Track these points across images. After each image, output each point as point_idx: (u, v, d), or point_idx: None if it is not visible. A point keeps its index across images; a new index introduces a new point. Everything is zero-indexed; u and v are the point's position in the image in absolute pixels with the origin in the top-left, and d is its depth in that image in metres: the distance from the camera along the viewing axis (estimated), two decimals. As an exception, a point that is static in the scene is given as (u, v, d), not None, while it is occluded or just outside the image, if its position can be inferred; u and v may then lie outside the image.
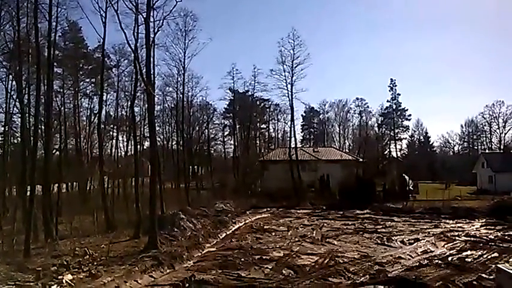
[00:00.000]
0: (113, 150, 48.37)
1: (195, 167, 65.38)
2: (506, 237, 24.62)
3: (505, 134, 77.45)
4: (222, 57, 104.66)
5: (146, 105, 30.97)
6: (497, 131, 78.80)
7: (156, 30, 24.98)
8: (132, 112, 34.58)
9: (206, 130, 65.91)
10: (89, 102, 49.20)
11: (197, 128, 62.71)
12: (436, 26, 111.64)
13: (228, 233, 27.43)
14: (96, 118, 38.92)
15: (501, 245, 22.31)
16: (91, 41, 56.79)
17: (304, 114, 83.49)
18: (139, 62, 25.72)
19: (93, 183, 39.67)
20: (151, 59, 25.56)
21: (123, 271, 15.65)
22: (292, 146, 54.09)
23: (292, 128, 55.90)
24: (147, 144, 45.97)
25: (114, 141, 48.57)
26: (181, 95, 49.10)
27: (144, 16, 21.89)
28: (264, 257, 19.65)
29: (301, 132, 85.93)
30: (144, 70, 23.57)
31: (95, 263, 16.50)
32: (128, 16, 24.35)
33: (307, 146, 73.00)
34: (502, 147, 71.37)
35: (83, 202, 34.59)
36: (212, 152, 71.99)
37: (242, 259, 19.13)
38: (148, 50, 22.52)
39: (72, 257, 17.49)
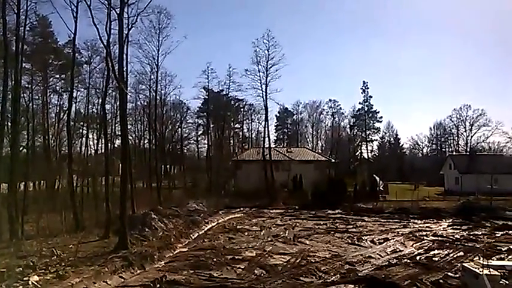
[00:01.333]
0: (83, 148, 47.33)
1: (168, 166, 64.68)
2: (471, 236, 25.46)
3: (471, 136, 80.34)
4: (197, 56, 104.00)
5: (118, 103, 30.50)
6: (464, 133, 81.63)
7: (129, 26, 24.52)
8: (103, 109, 33.92)
9: (179, 129, 65.45)
10: (58, 98, 47.95)
11: (170, 127, 62.13)
12: (407, 29, 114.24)
13: (200, 233, 27.24)
14: (66, 115, 37.97)
15: (466, 244, 23.04)
16: (62, 36, 55.37)
17: (278, 115, 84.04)
18: (112, 58, 25.26)
19: (61, 182, 38.65)
20: (124, 56, 25.15)
21: (92, 272, 15.30)
22: (266, 146, 54.30)
23: (266, 128, 56.19)
24: (118, 142, 45.07)
25: (84, 139, 47.55)
26: (154, 93, 48.45)
27: (118, 12, 21.47)
28: (236, 257, 19.62)
29: (275, 132, 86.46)
30: (117, 67, 23.13)
31: (63, 264, 16.03)
32: (100, 11, 23.83)
33: (281, 146, 73.43)
34: (468, 149, 73.74)
35: (50, 201, 33.63)
36: (185, 151, 71.54)
37: (214, 259, 19.05)
38: (121, 47, 22.10)
39: (39, 257, 16.95)
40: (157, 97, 49.98)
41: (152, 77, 47.67)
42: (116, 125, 43.99)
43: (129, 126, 45.94)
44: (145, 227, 24.17)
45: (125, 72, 28.49)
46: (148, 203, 33.09)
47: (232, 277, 16.41)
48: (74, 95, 39.75)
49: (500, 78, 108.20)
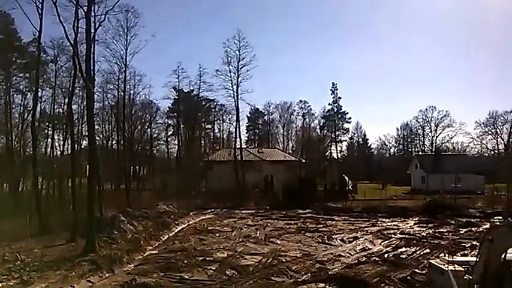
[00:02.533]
0: (48, 149, 45.84)
1: (137, 167, 63.52)
2: (437, 234, 26.30)
3: (437, 137, 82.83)
4: (167, 56, 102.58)
5: (85, 103, 29.74)
6: (430, 134, 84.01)
7: (97, 25, 24.04)
8: (70, 110, 33.05)
9: (149, 129, 64.31)
10: (22, 98, 46.13)
11: (139, 127, 60.95)
12: (375, 31, 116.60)
13: (170, 235, 26.96)
14: (30, 115, 36.70)
15: (432, 241, 23.77)
16: (26, 33, 53.27)
17: (249, 115, 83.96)
18: (79, 57, 24.60)
19: (26, 184, 37.36)
20: (92, 55, 24.58)
21: (58, 277, 14.89)
22: (237, 146, 54.22)
23: (237, 129, 56.06)
24: (85, 143, 43.90)
25: (49, 140, 46.07)
26: (122, 93, 47.47)
27: (85, 10, 21.01)
28: (207, 258, 19.54)
29: (246, 133, 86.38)
30: (84, 66, 22.63)
31: (27, 269, 15.53)
32: (67, 9, 23.19)
33: (252, 146, 73.51)
34: (433, 149, 75.92)
35: (14, 204, 32.45)
36: (155, 151, 70.41)
37: (185, 261, 18.90)
38: (89, 46, 21.68)
39: (1, 263, 16.38)
40: (126, 97, 49.07)
41: (120, 76, 46.75)
42: (83, 125, 42.81)
43: (96, 127, 44.81)
44: (114, 229, 23.76)
45: (92, 72, 27.82)
46: (117, 205, 32.42)
47: (203, 279, 16.34)
48: (39, 94, 38.39)
49: (464, 79, 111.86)
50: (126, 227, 24.74)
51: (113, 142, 55.52)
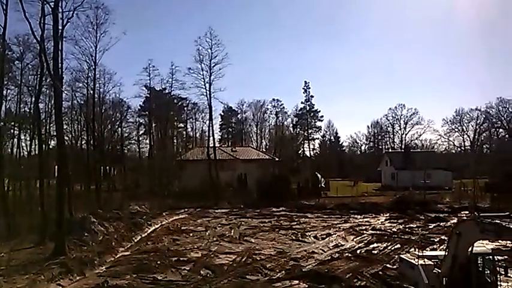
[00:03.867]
0: (15, 149, 44.31)
1: (107, 167, 62.24)
2: (407, 229, 26.99)
3: (406, 134, 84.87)
4: (138, 53, 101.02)
5: (53, 102, 28.89)
6: (399, 131, 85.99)
7: (65, 22, 23.41)
8: (37, 109, 32.02)
9: (119, 128, 63.07)
10: (-15, 97, 44.50)
11: (109, 127, 59.67)
12: (347, 30, 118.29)
13: (143, 235, 26.60)
14: (-5, 115, 35.37)
15: (403, 236, 24.37)
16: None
17: (222, 114, 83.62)
18: (46, 55, 23.88)
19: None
20: (60, 52, 23.95)
21: (26, 281, 14.47)
22: (211, 145, 53.97)
23: (211, 128, 55.77)
24: (53, 143, 42.74)
25: (15, 140, 44.52)
26: (92, 91, 46.29)
27: (52, 6, 20.43)
28: (181, 259, 19.40)
29: (220, 131, 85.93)
30: (51, 64, 22.00)
31: (-7, 274, 15.00)
32: (33, 5, 22.46)
33: (226, 145, 73.28)
34: (403, 146, 77.71)
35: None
36: (126, 151, 69.15)
37: (158, 262, 18.71)
38: (56, 43, 21.15)
39: (-35, 268, 15.75)
40: (96, 95, 47.88)
41: (90, 74, 45.55)
42: (51, 124, 41.56)
43: (65, 126, 43.48)
44: (85, 231, 23.31)
45: (60, 70, 27.19)
46: (87, 207, 31.70)
47: (177, 279, 16.23)
48: (4, 93, 37.00)
49: (431, 78, 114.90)
50: (97, 229, 24.30)
51: (83, 142, 54.09)
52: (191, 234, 26.57)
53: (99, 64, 45.82)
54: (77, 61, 44.04)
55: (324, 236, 24.98)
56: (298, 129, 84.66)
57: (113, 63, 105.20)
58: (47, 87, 36.21)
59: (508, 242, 14.04)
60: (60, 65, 26.34)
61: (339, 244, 22.70)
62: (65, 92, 42.13)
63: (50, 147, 44.00)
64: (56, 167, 24.62)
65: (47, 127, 42.35)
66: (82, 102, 50.14)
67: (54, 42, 21.14)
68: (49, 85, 33.50)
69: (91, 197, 40.00)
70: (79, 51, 42.92)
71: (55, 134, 29.62)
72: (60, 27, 21.67)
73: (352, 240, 23.87)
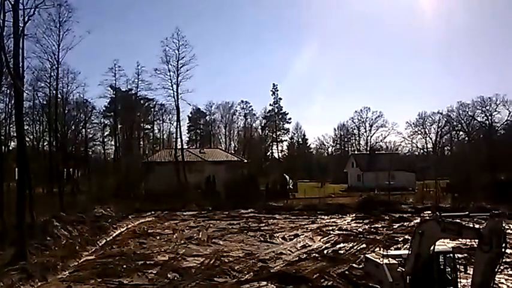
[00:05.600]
0: (-29, 151, 42.39)
1: (71, 169, 60.50)
2: (372, 229, 27.58)
3: (371, 136, 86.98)
4: (103, 53, 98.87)
5: (13, 102, 27.84)
6: (365, 134, 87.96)
7: (26, 19, 22.57)
8: (-4, 109, 30.80)
9: (83, 130, 61.39)
10: None
11: (73, 128, 58.11)
12: (315, 34, 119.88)
13: (108, 239, 26.00)
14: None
15: (368, 236, 24.89)
16: None
17: (190, 115, 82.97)
18: (6, 53, 22.96)
19: None
20: (21, 51, 23.12)
21: (-17, 288, 13.84)
22: (178, 147, 53.42)
23: (178, 129, 55.12)
24: (13, 144, 41.18)
25: (-28, 141, 42.61)
26: (54, 91, 44.93)
27: (12, 2, 19.72)
28: (148, 262, 19.10)
29: (188, 133, 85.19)
30: (12, 62, 21.21)
31: None
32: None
33: (194, 147, 72.73)
34: (368, 148, 79.50)
35: None
36: (90, 153, 67.40)
37: (124, 266, 18.35)
38: (17, 41, 20.45)
39: None
40: (59, 95, 46.58)
41: (52, 73, 44.17)
42: (11, 125, 40.05)
43: (26, 127, 42.20)
44: (47, 235, 22.65)
45: (21, 68, 26.23)
46: (50, 210, 30.63)
47: (144, 283, 15.99)
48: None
49: (396, 82, 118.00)
50: (60, 233, 23.65)
51: (45, 143, 52.53)
52: (158, 238, 26.17)
53: (62, 63, 44.54)
54: (39, 60, 42.58)
55: (292, 237, 25.19)
56: (267, 131, 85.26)
57: (77, 63, 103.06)
58: (7, 87, 34.82)
59: (468, 240, 14.56)
60: (21, 63, 25.40)
61: (307, 245, 22.94)
62: (26, 91, 40.73)
63: (10, 148, 42.37)
64: (16, 169, 23.73)
65: (7, 128, 40.75)
66: (44, 102, 48.68)
67: (14, 40, 20.42)
68: (9, 84, 32.23)
69: (54, 200, 38.72)
70: (41, 49, 41.50)
71: (15, 135, 28.55)
72: (21, 25, 20.92)
73: (319, 240, 24.17)
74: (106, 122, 68.81)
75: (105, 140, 70.03)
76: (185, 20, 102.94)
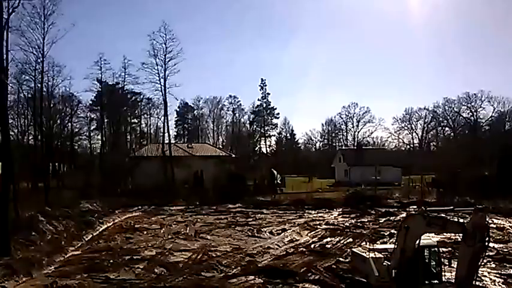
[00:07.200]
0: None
1: (56, 164, 59.81)
2: (359, 224, 27.83)
3: (358, 132, 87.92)
4: (89, 46, 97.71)
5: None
6: (352, 129, 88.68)
7: (10, 10, 22.15)
8: (-21, 102, 30.13)
9: (69, 124, 60.72)
10: None
11: (59, 122, 57.36)
12: (303, 28, 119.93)
13: (94, 234, 25.80)
14: None
15: (355, 231, 25.11)
16: None
17: (178, 110, 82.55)
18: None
19: None
20: (5, 43, 22.65)
21: (-34, 285, 13.63)
22: (166, 141, 53.12)
23: (166, 124, 54.86)
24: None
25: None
26: (39, 85, 44.16)
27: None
28: (134, 257, 19.00)
29: (175, 128, 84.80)
30: (-5, 55, 20.80)
31: None
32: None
33: (181, 142, 72.43)
34: (355, 143, 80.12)
35: None
36: (76, 147, 66.74)
37: (111, 261, 18.23)
38: (1, 33, 19.97)
39: None
40: (44, 89, 45.86)
41: (37, 66, 43.37)
42: (-5, 119, 39.42)
43: (10, 121, 41.41)
44: (32, 230, 22.29)
45: (5, 61, 25.63)
46: (35, 205, 30.23)
47: (131, 278, 15.90)
48: None
49: (383, 77, 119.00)
50: (46, 228, 23.34)
51: (30, 137, 51.81)
52: (145, 232, 26.04)
53: (48, 56, 43.63)
54: (24, 53, 41.79)
55: (279, 232, 25.28)
56: (255, 126, 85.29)
57: (63, 56, 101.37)
58: (-10, 79, 34.21)
59: (452, 234, 14.78)
60: (5, 56, 24.86)
61: (294, 239, 23.05)
62: (11, 85, 40.10)
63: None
64: (0, 163, 23.32)
65: (-10, 122, 40.07)
66: (29, 96, 48.04)
67: (-3, 32, 20.02)
68: (-8, 77, 31.66)
69: (39, 195, 38.26)
70: (25, 42, 40.63)
71: (-1, 129, 28.05)
72: (5, 16, 20.52)
73: (307, 235, 24.30)
74: (92, 116, 68.14)
75: (92, 134, 69.37)
76: (173, 14, 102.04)
